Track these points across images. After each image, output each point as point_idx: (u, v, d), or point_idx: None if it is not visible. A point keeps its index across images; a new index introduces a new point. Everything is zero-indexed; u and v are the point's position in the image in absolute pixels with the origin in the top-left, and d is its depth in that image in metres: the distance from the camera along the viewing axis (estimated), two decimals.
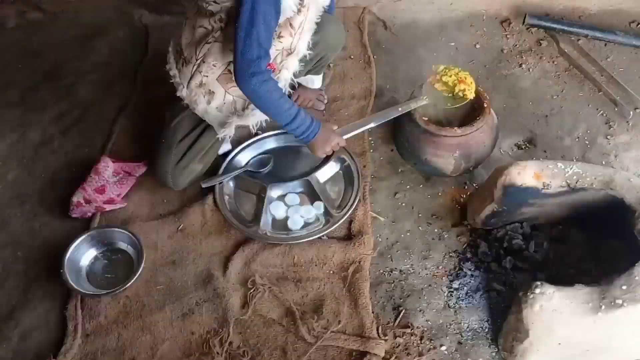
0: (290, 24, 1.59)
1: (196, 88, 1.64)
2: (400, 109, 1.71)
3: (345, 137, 1.71)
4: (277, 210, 1.72)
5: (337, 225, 1.67)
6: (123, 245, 1.68)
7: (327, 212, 1.71)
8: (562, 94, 1.99)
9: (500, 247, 1.57)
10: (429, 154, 1.66)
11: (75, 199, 1.74)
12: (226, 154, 1.85)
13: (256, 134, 1.83)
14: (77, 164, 1.88)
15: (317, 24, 1.64)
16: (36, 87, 2.15)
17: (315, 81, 1.94)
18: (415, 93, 1.72)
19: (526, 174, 1.45)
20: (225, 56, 1.60)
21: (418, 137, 1.67)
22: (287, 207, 1.73)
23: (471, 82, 1.67)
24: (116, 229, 1.68)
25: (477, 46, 2.17)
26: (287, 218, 1.71)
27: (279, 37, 1.60)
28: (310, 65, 1.78)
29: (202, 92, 1.65)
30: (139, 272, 1.59)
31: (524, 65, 2.09)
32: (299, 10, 1.57)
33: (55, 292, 1.60)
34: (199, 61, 1.61)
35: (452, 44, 2.18)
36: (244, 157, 1.85)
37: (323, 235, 1.66)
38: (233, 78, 1.55)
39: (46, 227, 1.75)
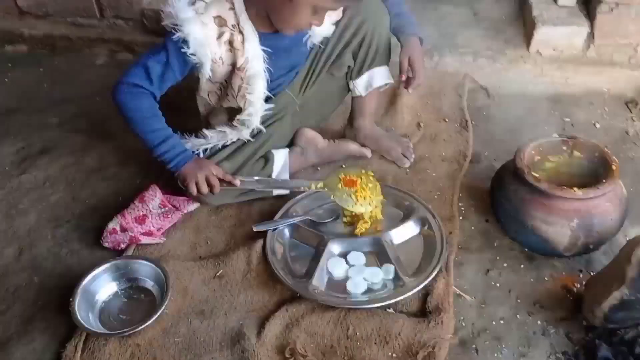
0: (231, 85, 1.50)
1: None
2: (306, 188, 1.54)
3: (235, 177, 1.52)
4: (336, 268, 1.40)
5: (409, 294, 1.31)
6: (149, 284, 1.41)
7: (397, 279, 1.36)
8: None
9: (630, 353, 1.14)
10: (538, 220, 1.30)
11: (111, 225, 1.52)
12: (285, 197, 1.60)
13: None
14: (127, 193, 1.68)
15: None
16: (107, 119, 2.04)
17: (378, 77, 1.66)
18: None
19: None
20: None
21: (525, 198, 1.33)
22: (349, 266, 1.41)
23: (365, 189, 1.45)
24: (144, 262, 1.42)
25: (597, 125, 1.84)
26: (347, 279, 1.38)
27: (226, 96, 1.54)
28: (354, 50, 1.59)
29: None
30: (156, 316, 1.30)
31: None
32: (234, 72, 1.46)
33: (59, 327, 1.34)
34: None
35: (567, 119, 1.87)
36: (307, 204, 1.58)
37: (390, 306, 1.30)
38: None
39: (73, 255, 1.53)
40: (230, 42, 1.41)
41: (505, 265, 1.40)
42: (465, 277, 1.38)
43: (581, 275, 1.36)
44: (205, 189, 1.49)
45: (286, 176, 1.65)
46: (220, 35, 1.39)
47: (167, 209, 1.60)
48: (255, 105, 1.50)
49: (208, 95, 1.58)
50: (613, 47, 2.03)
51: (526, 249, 1.43)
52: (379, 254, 1.43)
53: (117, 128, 1.99)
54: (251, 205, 1.63)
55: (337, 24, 1.56)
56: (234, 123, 1.56)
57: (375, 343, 1.25)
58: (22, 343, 1.32)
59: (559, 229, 1.29)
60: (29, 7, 2.49)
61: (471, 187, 1.63)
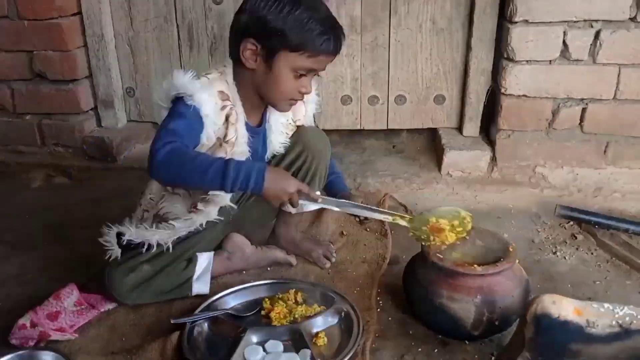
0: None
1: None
2: (375, 214, 1.52)
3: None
4: (252, 355, 1.37)
5: None
6: None
7: None
8: (606, 281, 1.71)
9: None
10: (445, 298, 1.35)
11: (21, 321, 1.47)
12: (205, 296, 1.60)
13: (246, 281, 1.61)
14: (43, 296, 1.63)
15: (292, 136, 1.65)
16: (33, 233, 2.05)
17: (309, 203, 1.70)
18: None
19: (563, 306, 1.13)
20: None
21: (432, 278, 1.39)
22: (266, 353, 1.38)
23: (452, 234, 1.46)
24: (49, 353, 1.36)
25: (505, 235, 1.98)
26: None
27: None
28: (296, 173, 1.65)
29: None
30: None
31: (558, 254, 1.85)
32: (221, 145, 1.50)
33: None
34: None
35: None
36: (228, 300, 1.58)
37: None
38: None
39: None
40: (227, 117, 1.49)
41: (419, 350, 1.41)
42: None
43: (493, 359, 1.39)
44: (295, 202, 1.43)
45: (207, 279, 1.65)
46: (222, 108, 1.47)
47: (83, 307, 1.57)
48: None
49: None
50: (514, 169, 2.25)
51: (440, 336, 1.45)
52: (297, 342, 1.41)
53: (42, 241, 2.01)
54: (171, 304, 1.61)
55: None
56: (199, 206, 1.56)
57: None
58: None
59: (464, 305, 1.34)
60: None
61: (389, 285, 1.68)
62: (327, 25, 1.44)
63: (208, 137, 1.47)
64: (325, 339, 1.44)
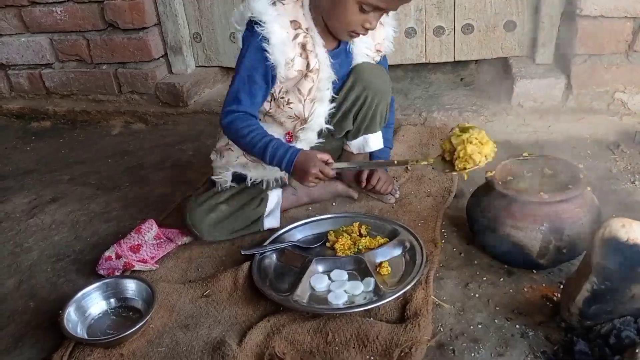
0: (299, 89, 1.55)
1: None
2: (396, 162, 1.55)
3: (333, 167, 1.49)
4: (318, 282, 1.43)
5: (387, 300, 1.33)
6: (138, 303, 1.45)
7: (378, 290, 1.38)
8: None
9: (605, 344, 1.12)
10: (510, 226, 1.34)
11: (107, 253, 1.60)
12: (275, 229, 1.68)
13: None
14: (127, 232, 1.77)
15: (352, 75, 1.63)
16: (114, 175, 2.20)
17: (371, 142, 1.75)
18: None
19: (633, 229, 1.09)
20: None
21: (497, 207, 1.38)
22: (332, 281, 1.44)
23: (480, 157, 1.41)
24: (132, 280, 1.47)
25: (581, 166, 1.90)
26: (329, 292, 1.40)
27: (288, 103, 1.57)
28: (354, 114, 1.67)
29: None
30: (139, 325, 1.33)
31: (637, 183, 1.77)
32: (306, 75, 1.52)
33: (47, 342, 1.38)
34: None
35: None
36: (294, 234, 1.65)
37: (370, 315, 1.32)
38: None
39: (69, 284, 1.60)
40: (303, 45, 1.50)
41: (484, 279, 1.42)
42: (444, 290, 1.40)
43: (560, 287, 1.36)
44: (319, 178, 1.48)
45: (277, 214, 1.73)
46: (295, 37, 1.49)
47: (161, 240, 1.68)
48: (324, 104, 1.60)
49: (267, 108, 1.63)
50: (591, 96, 2.14)
51: (505, 266, 1.45)
52: (361, 271, 1.46)
53: (123, 182, 2.15)
54: (243, 238, 1.69)
55: (343, 84, 1.67)
56: (298, 134, 1.63)
57: (353, 347, 1.24)
58: (11, 355, 1.36)
59: (529, 233, 1.32)
60: (55, 88, 2.75)
61: (454, 217, 1.68)
62: None
63: (284, 76, 1.50)
64: (389, 268, 1.47)
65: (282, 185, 1.79)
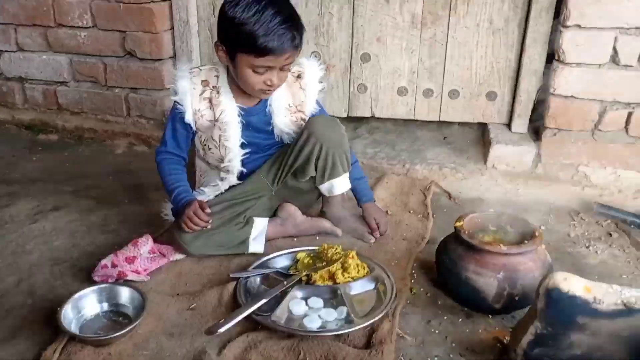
0: (211, 137, 1.87)
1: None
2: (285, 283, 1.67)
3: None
4: (296, 307, 1.58)
5: (356, 328, 1.48)
6: (128, 310, 1.58)
7: (349, 319, 1.53)
8: (633, 275, 1.80)
9: None
10: (470, 272, 1.51)
11: (103, 261, 1.73)
12: (259, 255, 1.84)
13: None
14: (123, 244, 1.91)
15: (305, 129, 1.87)
16: (115, 192, 2.34)
17: (337, 186, 1.93)
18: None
19: (574, 283, 1.26)
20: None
21: (461, 254, 1.55)
22: (308, 307, 1.59)
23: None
24: (126, 288, 1.61)
25: (543, 227, 2.09)
26: (305, 316, 1.55)
27: (209, 148, 1.90)
28: (314, 163, 1.88)
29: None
30: (129, 328, 1.47)
31: (591, 248, 1.95)
32: (214, 125, 1.84)
33: (43, 336, 1.50)
34: None
35: None
36: (280, 261, 1.81)
37: (340, 340, 1.46)
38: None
39: (65, 286, 1.72)
40: (210, 100, 1.83)
41: (445, 318, 1.58)
42: (409, 324, 1.55)
43: (511, 331, 1.53)
44: (187, 223, 1.77)
45: (262, 240, 1.88)
46: (202, 93, 1.82)
47: (155, 254, 1.82)
48: (234, 150, 1.86)
49: (202, 153, 1.96)
50: (558, 166, 2.34)
51: (465, 308, 1.61)
52: (336, 301, 1.61)
53: (123, 199, 2.29)
54: (230, 260, 1.84)
55: (297, 136, 1.89)
56: (222, 174, 1.91)
57: None
58: (7, 346, 1.47)
59: (487, 280, 1.49)
60: (67, 105, 2.90)
61: (425, 260, 1.84)
62: (275, 26, 1.62)
63: (196, 123, 1.85)
64: (362, 300, 1.63)
65: (271, 216, 1.96)
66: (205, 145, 1.91)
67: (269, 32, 1.62)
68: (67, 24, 2.71)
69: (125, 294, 1.61)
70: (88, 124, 2.88)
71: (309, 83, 1.91)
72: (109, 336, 1.46)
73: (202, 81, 1.83)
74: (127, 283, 1.66)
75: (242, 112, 1.84)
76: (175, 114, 1.85)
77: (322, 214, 2.05)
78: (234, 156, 1.87)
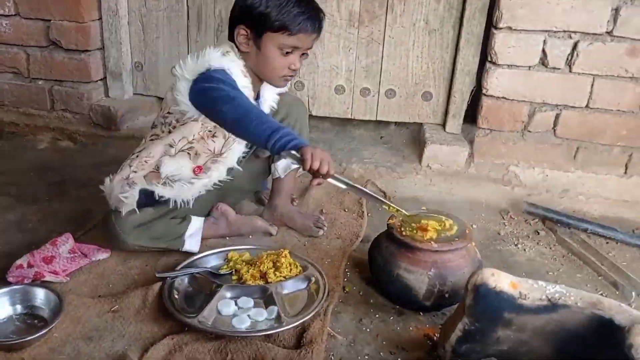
0: None
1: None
2: (376, 196, 1.65)
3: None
4: (225, 307, 1.52)
5: (286, 328, 1.44)
6: (44, 312, 1.49)
7: (279, 319, 1.49)
8: (559, 272, 1.85)
9: None
10: (402, 269, 1.51)
11: (19, 261, 1.63)
12: (190, 253, 1.77)
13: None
14: (41, 244, 1.79)
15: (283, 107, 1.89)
16: (37, 189, 2.21)
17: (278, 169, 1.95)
18: None
19: (501, 279, 1.27)
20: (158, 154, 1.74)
21: (392, 251, 1.55)
22: (238, 307, 1.54)
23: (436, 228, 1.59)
24: (42, 289, 1.51)
25: (474, 226, 2.13)
26: (234, 316, 1.50)
27: (213, 136, 1.75)
28: None
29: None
30: (43, 332, 1.38)
31: (519, 246, 2.00)
32: None
33: None
34: (133, 155, 1.77)
35: None
36: (209, 260, 1.74)
37: (269, 341, 1.42)
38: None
39: None
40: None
41: (377, 316, 1.56)
42: (340, 322, 1.53)
43: (441, 327, 1.53)
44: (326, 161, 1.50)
45: (198, 239, 1.82)
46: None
47: (76, 254, 1.72)
48: (241, 147, 1.81)
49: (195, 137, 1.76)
50: (489, 166, 2.40)
51: (397, 306, 1.60)
52: (267, 300, 1.57)
53: (43, 196, 2.16)
54: (157, 259, 1.76)
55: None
56: (209, 164, 1.77)
57: None
58: None
59: (418, 277, 1.49)
60: None
61: (359, 259, 1.82)
62: (304, 7, 1.64)
63: None
64: (294, 299, 1.59)
65: (206, 215, 1.90)
66: (209, 131, 1.75)
67: (303, 11, 1.63)
68: None
69: (40, 296, 1.51)
70: (9, 117, 2.72)
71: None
72: (22, 339, 1.36)
73: (242, 70, 1.69)
74: (44, 284, 1.56)
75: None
76: (227, 79, 1.60)
77: (267, 210, 2.01)
78: (239, 151, 1.80)
